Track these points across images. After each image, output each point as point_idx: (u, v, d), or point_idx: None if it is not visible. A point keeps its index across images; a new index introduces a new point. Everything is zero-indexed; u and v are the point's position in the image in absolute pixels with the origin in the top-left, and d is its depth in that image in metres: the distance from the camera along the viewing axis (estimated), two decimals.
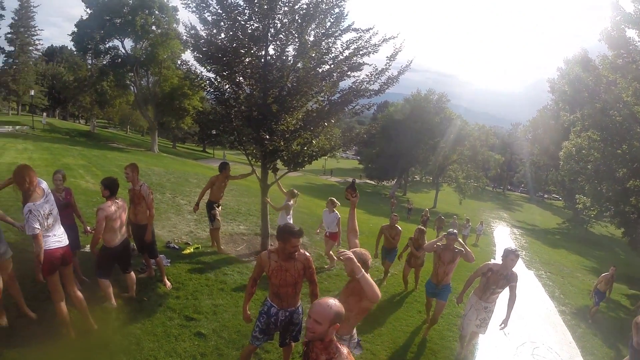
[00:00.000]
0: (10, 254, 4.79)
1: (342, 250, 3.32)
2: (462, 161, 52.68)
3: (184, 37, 8.70)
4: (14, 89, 61.43)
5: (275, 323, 4.20)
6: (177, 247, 8.75)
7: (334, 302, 2.55)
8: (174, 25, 40.76)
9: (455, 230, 6.85)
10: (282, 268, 3.98)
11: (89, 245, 7.60)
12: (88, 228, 6.32)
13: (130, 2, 39.70)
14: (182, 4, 8.27)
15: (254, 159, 9.00)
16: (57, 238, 4.47)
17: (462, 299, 6.39)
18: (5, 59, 62.64)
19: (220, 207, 8.88)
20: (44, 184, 4.43)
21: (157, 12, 40.40)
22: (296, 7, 7.94)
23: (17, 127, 40.52)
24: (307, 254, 4.12)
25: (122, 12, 39.60)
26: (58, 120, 67.86)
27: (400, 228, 9.28)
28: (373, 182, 65.59)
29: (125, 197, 6.03)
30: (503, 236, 31.78)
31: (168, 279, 6.81)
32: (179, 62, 32.71)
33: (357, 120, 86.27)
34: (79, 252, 6.44)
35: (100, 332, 5.03)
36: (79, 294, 4.86)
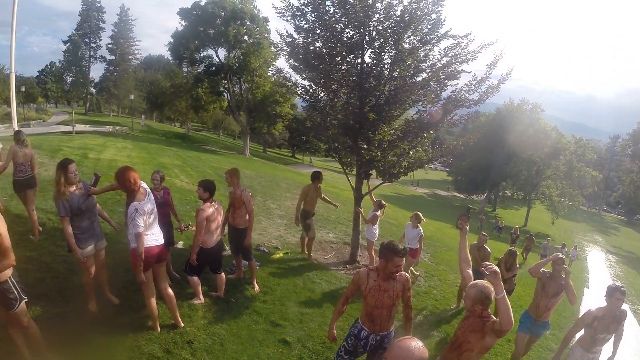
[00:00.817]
0: (104, 245, 5.17)
1: (488, 263, 3.11)
2: (557, 177, 48.75)
3: (280, 45, 8.75)
4: (115, 93, 68.69)
5: (364, 346, 3.94)
6: (266, 250, 8.79)
7: (417, 346, 2.09)
8: (265, 34, 41.98)
9: (562, 255, 5.86)
10: (380, 288, 3.70)
11: (181, 242, 7.82)
12: (182, 225, 6.47)
13: (223, 14, 41.42)
14: (276, 13, 8.35)
15: (348, 168, 8.86)
16: (155, 237, 4.59)
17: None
18: (107, 66, 70.38)
19: (313, 216, 8.73)
20: (144, 184, 4.58)
21: (248, 22, 41.85)
22: (391, 13, 7.72)
23: (117, 127, 43.64)
24: (406, 274, 3.83)
25: (215, 23, 41.52)
26: (155, 122, 72.33)
27: (489, 249, 8.35)
28: (462, 196, 63.41)
29: (223, 200, 6.10)
30: (597, 263, 29.29)
31: (257, 283, 6.80)
32: (270, 70, 33.45)
33: (446, 131, 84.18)
34: (172, 248, 6.56)
35: (185, 329, 5.10)
36: (170, 291, 4.96)
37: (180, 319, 5.11)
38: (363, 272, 3.80)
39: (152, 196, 4.62)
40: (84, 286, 5.14)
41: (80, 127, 34.07)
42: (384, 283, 3.71)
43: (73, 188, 4.72)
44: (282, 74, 9.14)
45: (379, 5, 7.76)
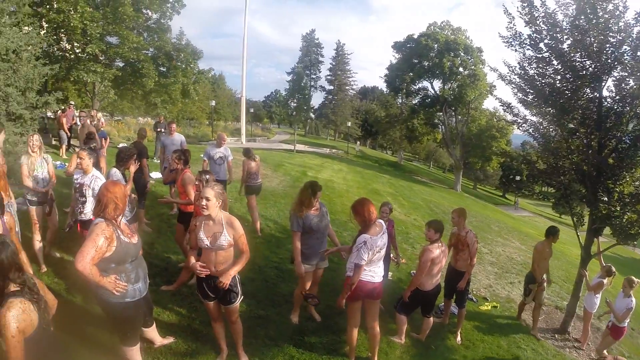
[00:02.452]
0: (325, 265, 5.36)
1: None
2: None
3: (507, 77, 8.06)
4: (333, 119, 74.21)
5: None
6: (474, 299, 8.07)
7: None
8: (480, 65, 40.23)
9: None
10: None
11: (390, 273, 7.62)
12: (399, 258, 6.38)
13: (436, 46, 41.02)
14: (503, 42, 7.78)
15: (578, 221, 7.55)
16: (372, 273, 4.46)
17: None
18: (325, 95, 77.53)
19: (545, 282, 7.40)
20: (382, 221, 4.53)
21: (462, 53, 40.58)
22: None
23: (334, 150, 46.16)
24: None
25: (429, 55, 41.30)
26: (368, 149, 75.39)
27: None
28: None
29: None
30: None
31: (460, 333, 6.34)
32: (498, 101, 31.88)
33: None
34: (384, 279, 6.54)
35: None
36: (377, 330, 4.80)
37: (376, 354, 4.95)
38: None
39: (386, 235, 4.53)
40: (293, 297, 5.49)
41: (300, 146, 36.74)
42: None
43: (313, 210, 4.96)
44: (508, 108, 8.37)
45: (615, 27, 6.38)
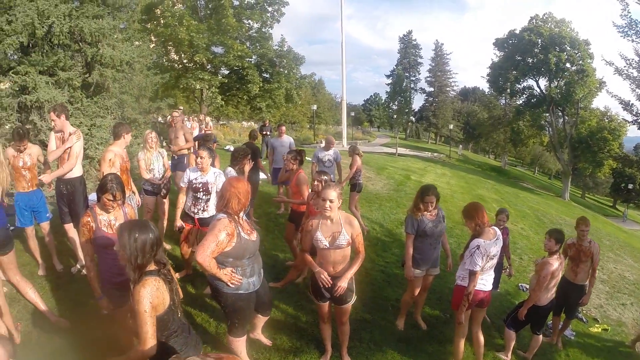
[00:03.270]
0: (437, 272, 5.20)
1: None
2: None
3: (625, 71, 7.19)
4: (434, 122, 73.00)
5: None
6: (584, 319, 7.43)
7: None
8: (588, 60, 36.54)
9: None
10: None
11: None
12: (511, 270, 6.11)
13: (540, 41, 38.01)
14: (619, 32, 6.96)
15: None
16: (483, 281, 4.39)
17: None
18: (426, 97, 76.22)
19: None
20: (496, 228, 4.45)
21: (568, 47, 36.94)
22: None
23: (435, 154, 45.13)
24: None
25: (533, 51, 38.40)
26: (470, 152, 72.79)
27: None
28: None
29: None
30: None
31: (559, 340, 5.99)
32: (593, 104, 29.05)
33: None
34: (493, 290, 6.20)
35: None
36: (481, 336, 4.73)
37: None
38: None
39: (501, 240, 4.42)
40: (400, 303, 5.41)
41: (401, 150, 36.47)
42: None
43: (428, 215, 4.87)
44: (627, 106, 7.55)
45: None
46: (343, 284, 3.77)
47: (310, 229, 3.86)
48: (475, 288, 4.25)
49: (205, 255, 3.16)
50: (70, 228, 5.53)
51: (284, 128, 9.71)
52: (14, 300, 4.47)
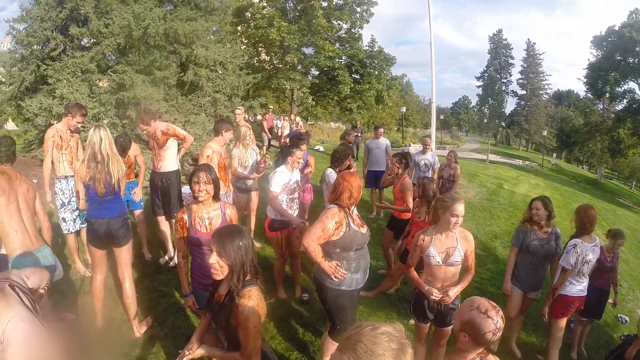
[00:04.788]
0: (536, 297, 4.81)
1: None
2: None
3: None
4: (526, 128, 68.90)
5: None
6: None
7: None
8: None
9: None
10: None
11: None
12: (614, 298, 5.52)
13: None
14: None
15: None
16: (581, 286, 4.32)
17: None
18: (517, 101, 72.01)
19: None
20: (597, 238, 4.35)
21: None
22: None
23: (527, 162, 42.70)
24: None
25: (634, 50, 35.09)
26: (564, 162, 68.36)
27: None
28: None
29: None
30: None
31: None
32: None
33: None
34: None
35: None
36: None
37: None
38: None
39: (598, 248, 4.36)
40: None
41: (492, 157, 35.02)
42: None
43: (539, 231, 4.56)
44: None
45: None
46: (452, 293, 3.53)
47: (422, 243, 3.58)
48: (575, 294, 4.26)
49: (311, 241, 3.17)
50: (162, 220, 5.70)
51: (381, 130, 9.42)
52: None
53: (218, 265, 2.25)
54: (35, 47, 9.51)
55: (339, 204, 3.33)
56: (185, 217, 3.27)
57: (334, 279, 3.30)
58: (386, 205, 6.85)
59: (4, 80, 9.83)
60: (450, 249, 3.50)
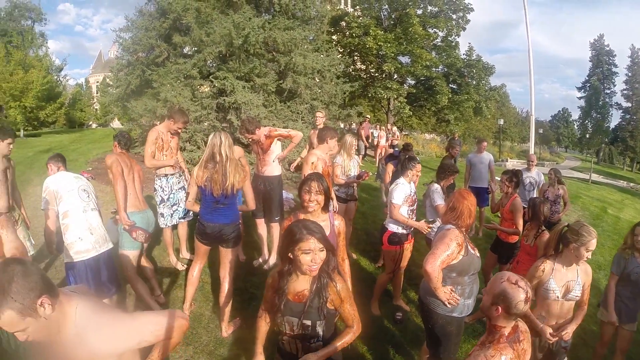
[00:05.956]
0: (631, 329, 4.29)
1: None
2: None
3: None
4: (631, 145, 60.11)
5: None
6: None
7: None
8: None
9: None
10: None
11: None
12: None
13: None
14: None
15: None
16: None
17: None
18: (622, 114, 63.01)
19: None
20: None
21: None
22: None
23: (632, 184, 39.40)
24: None
25: None
26: None
27: None
28: None
29: None
30: None
31: None
32: None
33: None
34: None
35: None
36: None
37: None
38: None
39: None
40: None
41: (594, 176, 32.63)
42: None
43: None
44: None
45: None
46: (570, 330, 3.21)
47: (542, 274, 3.23)
48: None
49: (436, 266, 2.94)
50: (260, 223, 5.72)
51: (485, 143, 8.97)
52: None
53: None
54: (140, 54, 10.36)
55: (458, 225, 3.15)
56: None
57: (447, 305, 3.10)
58: (495, 227, 6.35)
59: (111, 83, 10.71)
60: (570, 283, 3.18)
